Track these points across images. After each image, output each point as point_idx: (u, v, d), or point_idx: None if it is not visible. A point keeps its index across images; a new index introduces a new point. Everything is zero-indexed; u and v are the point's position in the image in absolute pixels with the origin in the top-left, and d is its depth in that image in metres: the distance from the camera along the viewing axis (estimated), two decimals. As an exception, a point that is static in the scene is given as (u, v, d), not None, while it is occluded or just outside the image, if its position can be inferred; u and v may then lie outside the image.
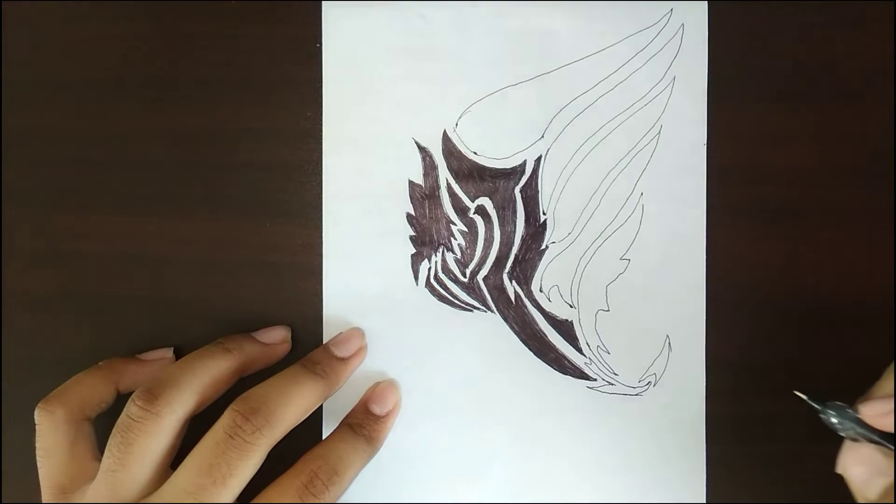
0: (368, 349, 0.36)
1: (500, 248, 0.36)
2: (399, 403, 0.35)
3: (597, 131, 0.35)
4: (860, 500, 0.25)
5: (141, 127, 0.37)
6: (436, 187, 0.36)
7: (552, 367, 0.35)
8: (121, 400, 0.33)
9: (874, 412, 0.25)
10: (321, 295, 0.36)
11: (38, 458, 0.33)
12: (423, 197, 0.36)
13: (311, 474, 0.30)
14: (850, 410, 0.27)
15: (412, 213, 0.36)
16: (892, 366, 0.27)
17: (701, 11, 0.34)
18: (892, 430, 0.25)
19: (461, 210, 0.36)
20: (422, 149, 0.36)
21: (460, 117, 0.36)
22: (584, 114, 0.35)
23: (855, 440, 0.26)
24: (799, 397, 0.29)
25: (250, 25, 0.36)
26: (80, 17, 0.37)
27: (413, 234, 0.36)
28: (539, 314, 0.36)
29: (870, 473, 0.25)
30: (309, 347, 0.35)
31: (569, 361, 0.35)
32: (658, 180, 0.35)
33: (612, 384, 0.35)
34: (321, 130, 0.36)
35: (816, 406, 0.28)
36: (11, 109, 0.38)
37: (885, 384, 0.26)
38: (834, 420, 0.27)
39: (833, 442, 0.28)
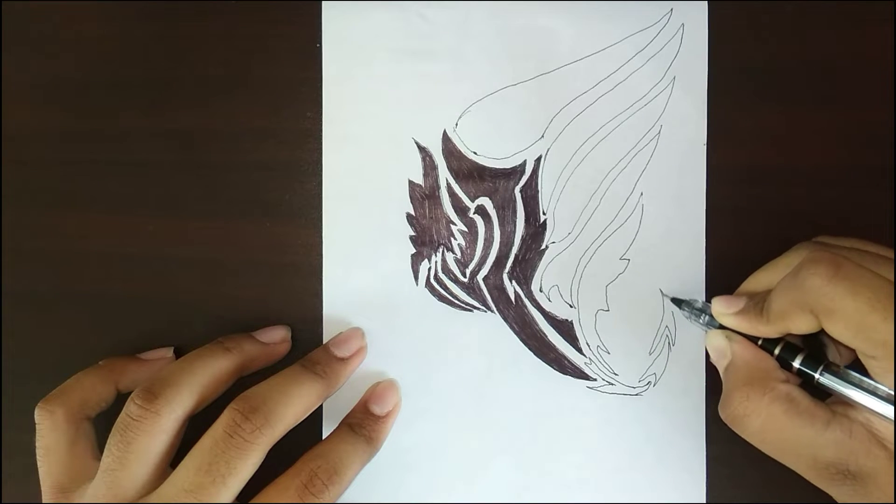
0: (368, 349, 0.36)
1: (500, 248, 0.36)
2: (399, 403, 0.35)
3: (597, 131, 0.35)
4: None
5: (141, 127, 0.37)
6: (436, 187, 0.36)
7: (552, 367, 0.35)
8: (121, 399, 0.33)
9: (720, 309, 0.30)
10: (321, 295, 0.36)
11: (38, 458, 0.33)
12: (423, 197, 0.36)
13: (310, 474, 0.30)
14: (699, 308, 0.32)
15: (412, 213, 0.36)
16: (761, 269, 0.31)
17: (701, 11, 0.34)
18: (732, 328, 0.30)
19: (461, 210, 0.36)
20: (422, 149, 0.36)
21: (460, 117, 0.36)
22: (584, 114, 0.35)
23: (713, 327, 0.31)
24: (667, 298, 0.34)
25: (250, 25, 0.36)
26: (80, 17, 0.37)
27: (413, 234, 0.36)
28: (539, 314, 0.36)
29: (717, 356, 0.31)
30: (309, 347, 0.35)
31: (569, 361, 0.35)
32: (658, 180, 0.35)
33: (612, 384, 0.35)
34: (321, 130, 0.36)
35: (675, 306, 0.33)
36: (11, 109, 0.38)
37: (746, 285, 0.31)
38: (686, 315, 0.33)
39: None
